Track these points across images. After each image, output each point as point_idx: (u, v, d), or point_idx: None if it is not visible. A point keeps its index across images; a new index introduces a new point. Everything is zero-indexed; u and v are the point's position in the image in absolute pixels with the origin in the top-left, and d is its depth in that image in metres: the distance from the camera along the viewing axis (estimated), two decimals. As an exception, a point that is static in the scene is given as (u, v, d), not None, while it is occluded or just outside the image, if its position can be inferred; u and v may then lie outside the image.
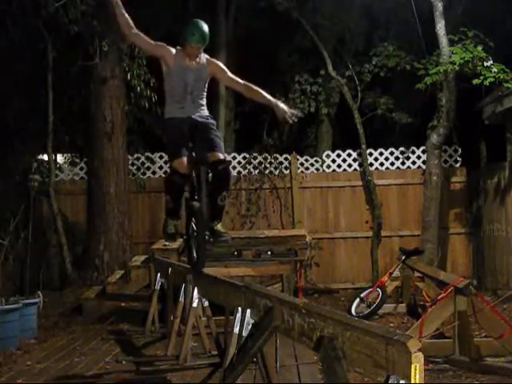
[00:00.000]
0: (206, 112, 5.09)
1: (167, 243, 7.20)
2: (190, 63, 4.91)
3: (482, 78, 8.74)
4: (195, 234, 4.97)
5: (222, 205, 5.04)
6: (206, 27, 4.82)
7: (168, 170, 10.70)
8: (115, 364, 5.60)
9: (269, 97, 5.00)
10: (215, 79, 5.34)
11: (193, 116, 4.95)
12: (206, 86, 5.09)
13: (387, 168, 10.70)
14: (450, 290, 5.57)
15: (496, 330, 5.46)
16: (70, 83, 10.32)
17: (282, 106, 4.97)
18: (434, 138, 9.81)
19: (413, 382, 2.16)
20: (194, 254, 5.04)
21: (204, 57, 5.01)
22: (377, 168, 10.66)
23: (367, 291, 8.14)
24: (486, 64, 8.81)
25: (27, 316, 6.76)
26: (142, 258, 9.07)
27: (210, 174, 4.97)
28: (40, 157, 10.48)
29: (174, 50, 4.95)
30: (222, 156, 4.88)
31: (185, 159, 4.86)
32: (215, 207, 4.97)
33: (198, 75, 4.95)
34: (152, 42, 4.99)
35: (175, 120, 4.97)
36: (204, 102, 5.08)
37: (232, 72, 5.11)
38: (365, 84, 10.95)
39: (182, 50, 4.92)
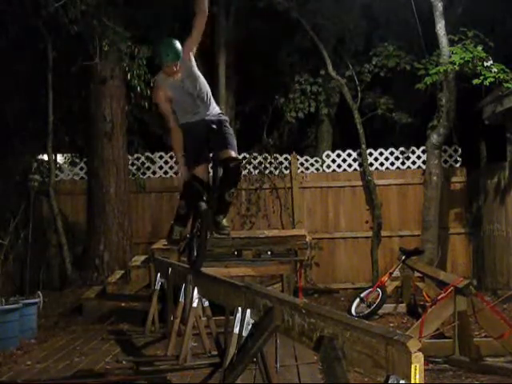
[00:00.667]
0: (216, 108, 5.16)
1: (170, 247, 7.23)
2: (177, 77, 4.96)
3: (482, 78, 8.74)
4: (198, 233, 5.07)
5: (230, 201, 5.13)
6: (177, 44, 4.88)
7: (168, 170, 10.71)
8: (115, 364, 5.60)
9: None
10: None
11: (206, 118, 5.02)
12: (201, 76, 5.07)
13: (387, 168, 10.71)
14: (450, 290, 5.57)
15: (496, 330, 5.46)
16: (70, 83, 10.32)
17: None
18: (434, 138, 9.80)
19: (413, 382, 2.17)
20: (195, 253, 5.13)
21: None
22: (377, 168, 10.66)
23: (367, 291, 8.14)
24: (486, 64, 8.81)
25: (27, 316, 6.76)
26: (142, 257, 9.07)
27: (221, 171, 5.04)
28: (40, 157, 10.48)
29: (159, 80, 5.04)
30: (233, 154, 4.94)
31: (204, 165, 5.01)
32: (222, 202, 5.05)
33: (189, 77, 4.98)
34: (163, 108, 5.11)
35: (191, 124, 5.04)
36: (210, 95, 5.10)
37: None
38: (365, 84, 10.95)
39: (162, 73, 5.01)
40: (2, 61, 9.25)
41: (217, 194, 5.01)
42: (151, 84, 9.90)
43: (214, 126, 4.98)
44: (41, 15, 8.66)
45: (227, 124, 5.11)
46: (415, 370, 2.16)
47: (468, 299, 5.49)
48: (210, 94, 5.09)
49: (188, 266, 5.44)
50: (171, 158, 10.64)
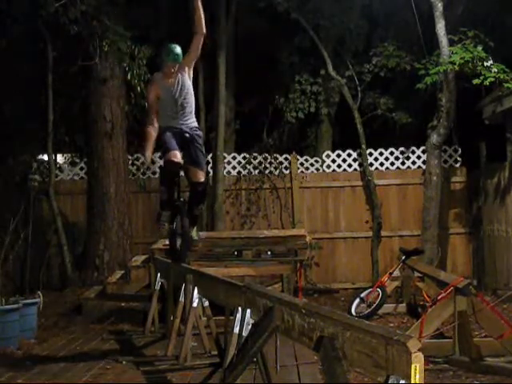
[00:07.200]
0: (194, 123, 5.76)
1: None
2: (170, 80, 5.58)
3: (482, 78, 8.73)
4: (180, 230, 5.63)
5: (197, 214, 5.90)
6: (178, 48, 5.55)
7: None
8: (115, 364, 5.60)
9: None
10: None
11: (183, 128, 5.63)
12: (191, 90, 5.69)
13: (387, 168, 10.71)
14: (450, 289, 5.57)
15: (496, 329, 5.46)
16: (69, 83, 10.32)
17: None
18: (434, 138, 9.80)
19: (413, 382, 2.16)
20: (178, 248, 5.74)
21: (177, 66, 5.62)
22: (377, 168, 10.66)
23: (367, 291, 8.14)
24: (486, 64, 8.81)
25: (27, 316, 6.75)
26: (142, 257, 9.06)
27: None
28: (40, 157, 10.48)
29: (156, 78, 5.67)
30: (201, 177, 5.63)
31: (178, 152, 5.52)
32: (191, 216, 5.74)
33: (181, 85, 5.58)
34: (150, 101, 5.73)
35: (171, 128, 5.63)
36: (192, 109, 5.72)
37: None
38: (365, 84, 10.95)
39: (161, 73, 5.63)
40: (2, 61, 9.25)
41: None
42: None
43: (188, 137, 5.61)
44: (41, 15, 8.65)
45: (200, 140, 5.73)
46: (415, 370, 2.16)
47: (468, 299, 5.48)
48: (192, 108, 5.72)
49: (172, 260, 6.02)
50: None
